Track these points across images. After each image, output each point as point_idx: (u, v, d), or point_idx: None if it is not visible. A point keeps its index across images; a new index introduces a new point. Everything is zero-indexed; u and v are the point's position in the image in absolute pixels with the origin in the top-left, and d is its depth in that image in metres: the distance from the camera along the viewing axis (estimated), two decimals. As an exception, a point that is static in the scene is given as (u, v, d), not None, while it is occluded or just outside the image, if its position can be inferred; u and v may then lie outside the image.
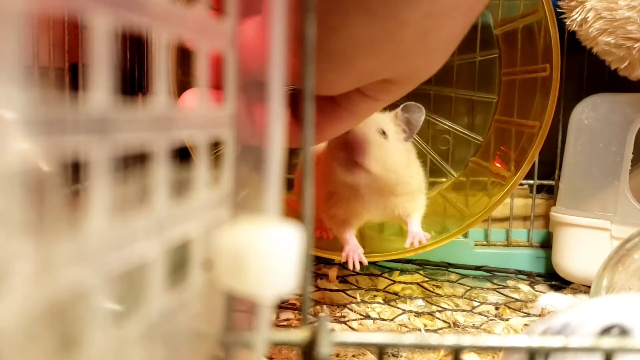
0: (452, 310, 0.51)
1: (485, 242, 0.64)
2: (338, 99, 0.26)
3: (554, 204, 0.62)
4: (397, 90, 0.26)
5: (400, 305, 0.51)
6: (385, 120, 0.45)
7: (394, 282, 0.57)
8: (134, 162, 0.12)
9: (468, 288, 0.57)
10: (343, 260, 0.48)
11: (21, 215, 0.09)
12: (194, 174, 0.14)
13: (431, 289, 0.56)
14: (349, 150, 0.41)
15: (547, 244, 0.63)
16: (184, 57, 0.49)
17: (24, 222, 0.09)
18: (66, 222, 0.10)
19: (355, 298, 0.53)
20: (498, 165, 0.61)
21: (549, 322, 0.24)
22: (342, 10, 0.21)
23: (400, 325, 0.48)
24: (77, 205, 0.10)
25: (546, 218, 0.64)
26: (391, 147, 0.43)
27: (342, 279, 0.58)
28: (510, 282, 0.59)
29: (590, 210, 0.57)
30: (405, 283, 0.57)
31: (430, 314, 0.50)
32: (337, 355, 0.40)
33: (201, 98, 0.15)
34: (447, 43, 0.23)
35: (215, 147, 0.16)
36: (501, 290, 0.56)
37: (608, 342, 0.17)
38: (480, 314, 0.50)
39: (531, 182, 0.64)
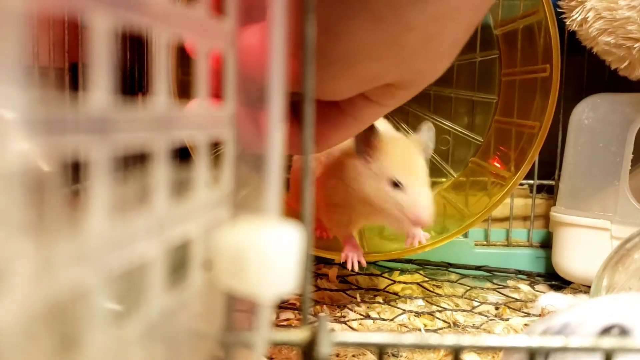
0: (452, 310, 0.51)
1: (485, 242, 0.64)
2: (342, 105, 0.26)
3: (554, 204, 0.62)
4: (401, 94, 0.25)
5: (400, 305, 0.51)
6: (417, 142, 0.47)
7: (394, 282, 0.57)
8: (134, 162, 0.13)
9: (468, 288, 0.57)
10: (342, 260, 0.49)
11: (21, 215, 0.09)
12: (194, 174, 0.14)
13: (431, 289, 0.56)
14: None
15: (547, 244, 0.63)
16: (183, 57, 0.49)
17: (24, 222, 0.09)
18: (66, 222, 0.10)
19: (355, 298, 0.53)
20: (497, 165, 0.61)
21: (549, 322, 0.24)
22: (346, 16, 0.21)
23: (400, 325, 0.48)
24: (77, 205, 0.10)
25: (546, 218, 0.64)
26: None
27: (342, 279, 0.58)
28: (510, 282, 0.59)
29: (590, 210, 0.57)
30: (405, 283, 0.57)
31: (430, 314, 0.50)
32: (337, 355, 0.40)
33: (201, 98, 0.15)
34: (450, 46, 0.23)
35: (215, 146, 0.16)
36: (501, 290, 0.56)
37: (608, 342, 0.17)
38: (480, 314, 0.50)
39: (531, 182, 0.64)
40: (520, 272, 0.62)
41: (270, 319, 0.15)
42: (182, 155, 0.18)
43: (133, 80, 0.63)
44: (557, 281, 0.59)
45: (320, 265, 0.59)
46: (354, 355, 0.40)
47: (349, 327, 0.47)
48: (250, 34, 0.22)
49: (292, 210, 0.20)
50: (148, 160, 0.12)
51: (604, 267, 0.39)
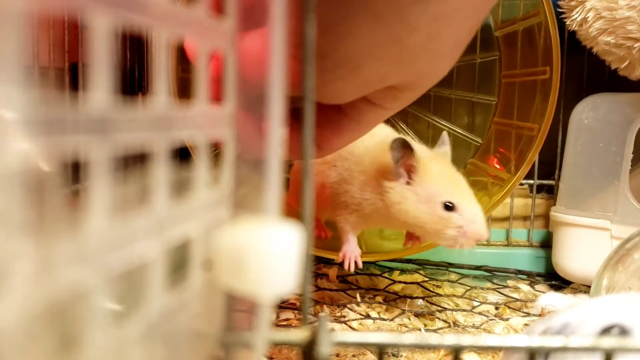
0: (452, 310, 0.51)
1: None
2: (345, 108, 0.26)
3: (554, 204, 0.62)
4: (404, 96, 0.25)
5: (400, 305, 0.51)
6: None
7: (394, 282, 0.57)
8: (134, 162, 0.13)
9: (468, 288, 0.57)
10: (339, 259, 0.49)
11: (21, 215, 0.09)
12: (194, 174, 0.14)
13: (431, 289, 0.56)
14: None
15: (547, 243, 0.63)
16: (183, 55, 0.49)
17: (24, 222, 0.09)
18: (66, 222, 0.10)
19: (355, 298, 0.53)
20: (497, 166, 0.61)
21: (549, 322, 0.24)
22: (349, 18, 0.21)
23: (400, 325, 0.48)
24: (77, 205, 0.10)
25: (546, 218, 0.64)
26: None
27: (342, 279, 0.58)
28: (510, 282, 0.59)
29: (590, 210, 0.57)
30: (405, 283, 0.57)
31: (430, 313, 0.50)
32: (337, 355, 0.40)
33: (201, 98, 0.15)
34: (453, 47, 0.23)
35: (215, 145, 0.16)
36: (501, 290, 0.56)
37: (608, 342, 0.17)
38: (480, 313, 0.50)
39: (531, 181, 0.64)
40: (520, 272, 0.62)
41: (270, 319, 0.15)
42: (182, 155, 0.18)
43: (133, 80, 0.63)
44: (557, 281, 0.59)
45: (320, 265, 0.59)
46: (354, 355, 0.40)
47: (349, 327, 0.47)
48: (252, 39, 0.22)
49: (292, 209, 0.20)
50: (148, 160, 0.12)
51: (604, 267, 0.39)
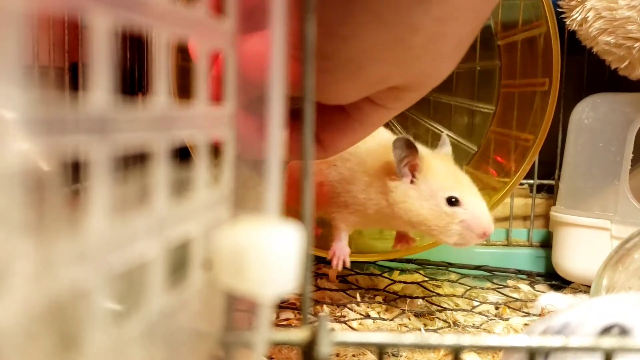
0: (452, 310, 0.51)
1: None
2: (348, 109, 0.26)
3: (554, 204, 0.62)
4: (407, 97, 0.26)
5: (400, 305, 0.51)
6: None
7: (394, 282, 0.57)
8: (134, 162, 0.13)
9: (468, 288, 0.57)
10: (329, 257, 0.49)
11: (21, 215, 0.09)
12: (194, 174, 0.14)
13: (431, 289, 0.56)
14: None
15: (547, 243, 0.63)
16: (184, 53, 0.49)
17: (24, 222, 0.09)
18: (66, 222, 0.10)
19: (355, 298, 0.53)
20: (494, 173, 0.61)
21: (549, 321, 0.24)
22: (351, 19, 0.21)
23: (400, 325, 0.48)
24: (77, 205, 0.10)
25: (546, 218, 0.64)
26: None
27: (342, 279, 0.58)
28: (510, 282, 0.59)
29: (590, 210, 0.57)
30: (405, 283, 0.57)
31: (430, 313, 0.50)
32: (337, 355, 0.40)
33: (201, 98, 0.15)
34: (455, 48, 0.23)
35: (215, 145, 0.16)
36: (501, 290, 0.56)
37: (608, 342, 0.17)
38: (480, 313, 0.50)
39: (531, 181, 0.64)
40: (520, 271, 0.62)
41: (270, 319, 0.15)
42: (182, 155, 0.18)
43: (133, 80, 0.63)
44: (557, 281, 0.59)
45: (320, 265, 0.59)
46: (354, 355, 0.40)
47: (349, 327, 0.47)
48: (254, 42, 0.22)
49: (291, 209, 0.20)
50: (148, 160, 0.12)
51: (604, 267, 0.39)
